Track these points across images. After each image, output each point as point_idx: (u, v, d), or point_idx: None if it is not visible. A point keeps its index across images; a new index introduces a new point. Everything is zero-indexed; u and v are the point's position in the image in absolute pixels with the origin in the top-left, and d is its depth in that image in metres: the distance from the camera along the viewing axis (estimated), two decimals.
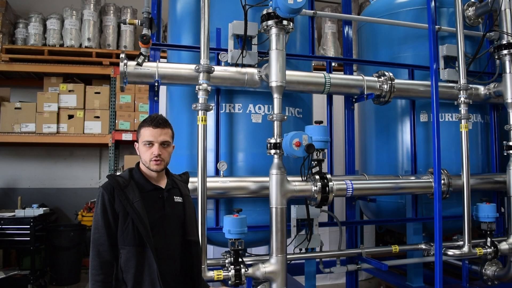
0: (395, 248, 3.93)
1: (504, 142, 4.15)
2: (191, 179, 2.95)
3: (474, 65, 4.41)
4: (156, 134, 2.20)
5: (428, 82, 3.80)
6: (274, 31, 3.17)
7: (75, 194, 7.03)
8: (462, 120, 3.90)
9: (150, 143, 2.20)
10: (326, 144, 3.33)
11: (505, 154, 4.13)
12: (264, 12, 3.19)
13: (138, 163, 2.30)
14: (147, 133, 2.20)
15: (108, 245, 2.07)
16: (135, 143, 2.29)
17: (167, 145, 2.24)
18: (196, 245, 2.30)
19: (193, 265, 2.27)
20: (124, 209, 2.09)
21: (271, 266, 3.08)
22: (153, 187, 2.24)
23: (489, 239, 3.93)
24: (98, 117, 6.28)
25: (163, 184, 2.28)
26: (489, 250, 3.90)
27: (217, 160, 3.44)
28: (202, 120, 3.13)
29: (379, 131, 4.65)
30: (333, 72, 3.94)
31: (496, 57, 4.24)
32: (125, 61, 3.18)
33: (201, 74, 3.15)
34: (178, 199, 2.30)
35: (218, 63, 3.48)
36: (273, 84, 3.16)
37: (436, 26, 4.13)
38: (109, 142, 6.19)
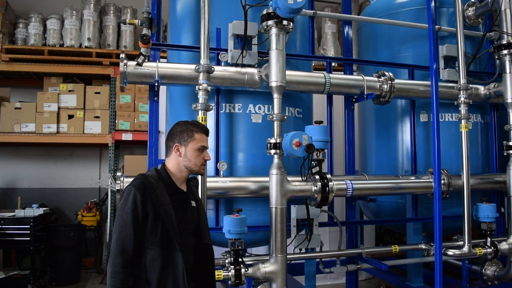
0: (395, 248, 3.93)
1: (504, 142, 4.15)
2: None
3: (474, 65, 4.41)
4: (207, 140, 2.34)
5: (428, 82, 3.80)
6: (274, 31, 3.17)
7: (75, 194, 7.03)
8: (462, 120, 3.90)
9: (204, 149, 2.31)
10: (326, 144, 3.33)
11: (505, 154, 4.13)
12: (264, 12, 3.19)
13: (164, 163, 2.33)
14: (202, 139, 2.31)
15: (133, 244, 2.08)
16: (176, 144, 2.28)
17: None
18: (210, 248, 2.39)
19: (208, 267, 2.36)
20: (155, 210, 2.11)
21: (271, 266, 3.08)
22: (178, 190, 2.30)
23: (489, 239, 3.93)
24: (98, 117, 6.29)
25: (184, 188, 2.35)
26: (489, 250, 3.90)
27: (217, 160, 3.44)
28: (202, 120, 3.13)
29: (379, 131, 4.65)
30: (333, 72, 3.94)
31: (496, 57, 4.24)
32: (125, 61, 3.18)
33: (201, 74, 3.15)
34: (193, 203, 2.37)
35: (218, 63, 3.48)
36: (273, 84, 3.16)
37: (436, 26, 4.13)
38: (109, 142, 6.20)
